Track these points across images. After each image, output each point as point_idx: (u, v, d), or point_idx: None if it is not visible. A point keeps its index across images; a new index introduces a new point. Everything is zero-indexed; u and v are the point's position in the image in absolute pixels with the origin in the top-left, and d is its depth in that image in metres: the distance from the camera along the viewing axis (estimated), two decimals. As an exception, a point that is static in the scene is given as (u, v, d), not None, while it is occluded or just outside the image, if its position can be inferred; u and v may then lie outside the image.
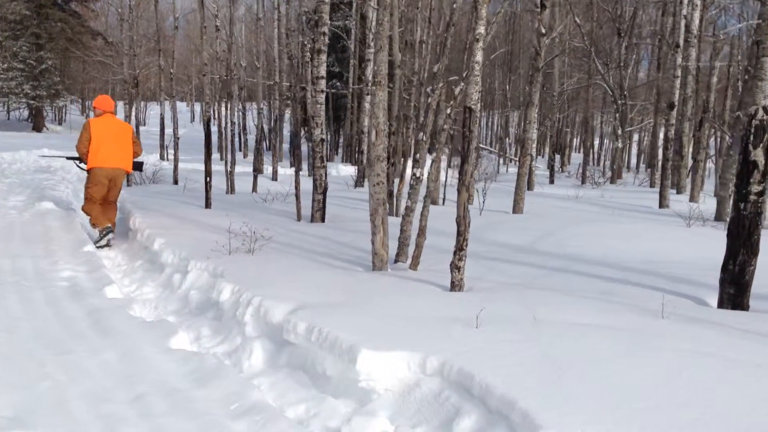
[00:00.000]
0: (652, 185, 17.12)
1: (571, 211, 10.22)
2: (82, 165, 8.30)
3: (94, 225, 7.94)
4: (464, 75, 5.70)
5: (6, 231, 7.49)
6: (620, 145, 19.43)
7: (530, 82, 9.36)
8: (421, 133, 6.42)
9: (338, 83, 28.24)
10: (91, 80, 45.98)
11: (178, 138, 13.84)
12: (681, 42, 13.02)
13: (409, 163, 9.66)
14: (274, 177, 15.35)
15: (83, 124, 8.20)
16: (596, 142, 34.77)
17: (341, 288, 5.13)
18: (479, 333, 3.78)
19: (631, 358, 3.30)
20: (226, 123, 11.38)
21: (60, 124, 43.35)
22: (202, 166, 18.65)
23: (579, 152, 41.97)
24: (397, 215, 9.42)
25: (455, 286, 5.05)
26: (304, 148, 17.57)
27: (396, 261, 6.36)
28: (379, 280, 5.40)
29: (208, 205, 9.69)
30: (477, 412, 3.04)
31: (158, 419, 2.86)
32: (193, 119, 55.39)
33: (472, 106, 4.88)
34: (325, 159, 8.86)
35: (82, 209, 8.12)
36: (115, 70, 38.73)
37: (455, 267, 5.04)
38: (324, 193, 8.83)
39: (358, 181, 14.82)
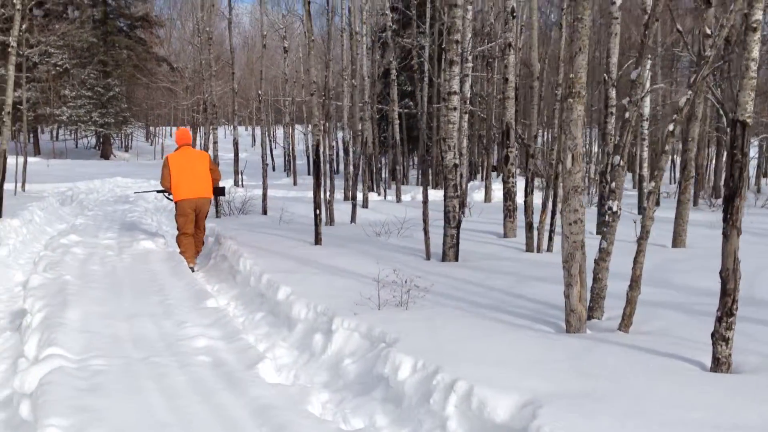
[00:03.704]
0: (781, 205, 15.45)
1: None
2: (170, 197, 8.80)
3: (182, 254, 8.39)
4: (691, 80, 4.47)
5: (110, 280, 6.49)
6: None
7: (694, 92, 7.99)
8: (617, 156, 5.19)
9: (410, 103, 27.22)
10: (156, 106, 46.21)
11: (267, 165, 12.88)
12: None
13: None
14: (365, 204, 14.25)
15: (163, 160, 8.70)
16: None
17: (561, 365, 3.90)
18: None
19: None
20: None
21: (126, 150, 43.54)
22: (274, 192, 17.81)
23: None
24: (539, 251, 8.17)
25: (721, 364, 3.77)
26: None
27: (589, 317, 5.11)
28: (600, 352, 4.14)
29: (318, 241, 8.61)
30: None
31: None
32: (254, 143, 55.18)
33: (747, 120, 3.64)
34: (458, 187, 7.69)
35: (176, 240, 8.66)
36: (180, 96, 38.74)
37: (722, 339, 3.77)
38: (458, 226, 7.66)
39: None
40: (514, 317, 5.16)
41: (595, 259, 5.16)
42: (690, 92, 4.48)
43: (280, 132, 40.42)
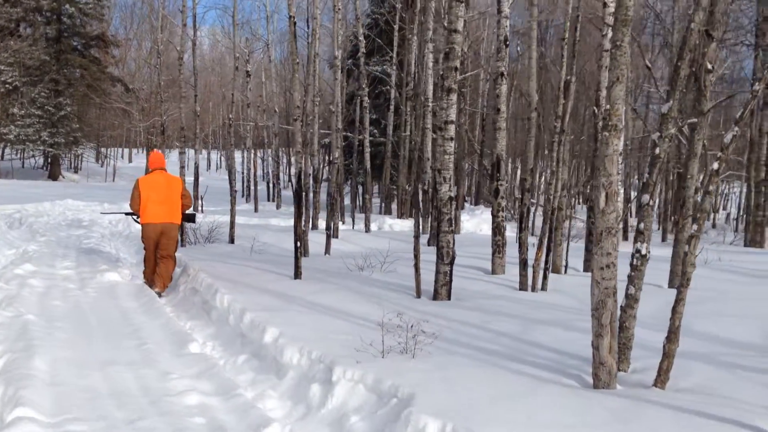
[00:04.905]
0: (747, 243, 15.47)
1: (727, 283, 8.57)
2: (138, 219, 8.59)
3: (144, 280, 8.35)
4: (737, 115, 4.15)
5: (76, 318, 5.79)
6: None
7: (692, 129, 7.82)
8: (646, 196, 4.85)
9: (375, 130, 26.91)
10: (109, 127, 44.87)
11: (236, 191, 12.27)
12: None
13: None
14: (335, 234, 13.71)
15: (134, 182, 8.62)
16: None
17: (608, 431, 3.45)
18: None
19: None
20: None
21: (76, 172, 41.99)
22: (237, 219, 17.07)
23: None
24: (533, 290, 7.78)
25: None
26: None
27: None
28: (647, 417, 3.70)
29: (297, 275, 8.06)
30: None
31: None
32: (209, 167, 54.16)
33: None
34: (453, 222, 7.26)
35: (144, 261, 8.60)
36: (135, 117, 37.66)
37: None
38: (452, 263, 7.21)
39: (432, 240, 13.23)
40: (533, 368, 4.70)
41: (621, 306, 4.76)
42: (736, 128, 4.15)
43: (237, 156, 39.60)
